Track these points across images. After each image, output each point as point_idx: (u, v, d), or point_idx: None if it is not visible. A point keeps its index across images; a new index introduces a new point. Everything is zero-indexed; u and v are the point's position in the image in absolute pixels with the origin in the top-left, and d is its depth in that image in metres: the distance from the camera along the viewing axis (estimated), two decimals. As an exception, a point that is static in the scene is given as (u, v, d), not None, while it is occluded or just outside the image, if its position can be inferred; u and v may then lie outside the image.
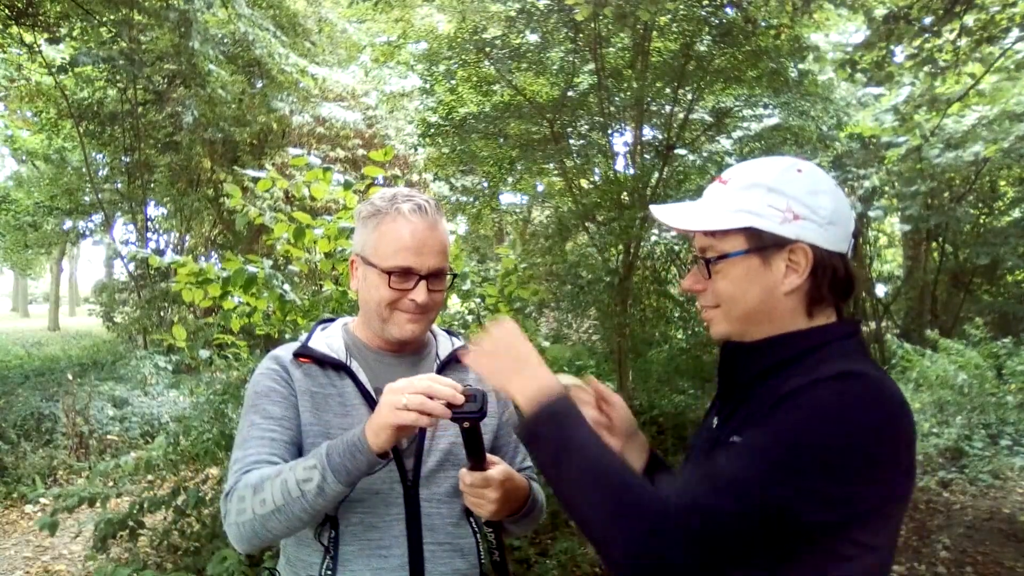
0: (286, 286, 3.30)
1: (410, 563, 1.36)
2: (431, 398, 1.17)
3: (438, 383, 1.19)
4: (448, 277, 1.46)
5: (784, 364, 1.09)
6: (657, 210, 1.23)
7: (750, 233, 1.10)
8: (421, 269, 1.38)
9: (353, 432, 1.24)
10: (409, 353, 1.48)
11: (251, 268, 3.21)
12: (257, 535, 1.27)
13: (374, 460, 1.23)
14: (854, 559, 1.01)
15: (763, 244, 1.10)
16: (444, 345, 1.54)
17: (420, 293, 1.38)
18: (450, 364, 1.50)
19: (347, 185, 3.37)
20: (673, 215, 1.20)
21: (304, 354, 1.43)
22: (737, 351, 1.17)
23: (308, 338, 1.48)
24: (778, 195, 1.10)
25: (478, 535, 1.45)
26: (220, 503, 1.34)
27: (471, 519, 1.44)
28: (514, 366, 1.14)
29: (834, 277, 1.11)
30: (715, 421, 1.20)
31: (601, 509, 0.99)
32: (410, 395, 1.17)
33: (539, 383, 1.11)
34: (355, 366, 1.43)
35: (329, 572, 1.34)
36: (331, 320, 1.56)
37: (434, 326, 1.57)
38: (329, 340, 1.46)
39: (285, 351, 1.45)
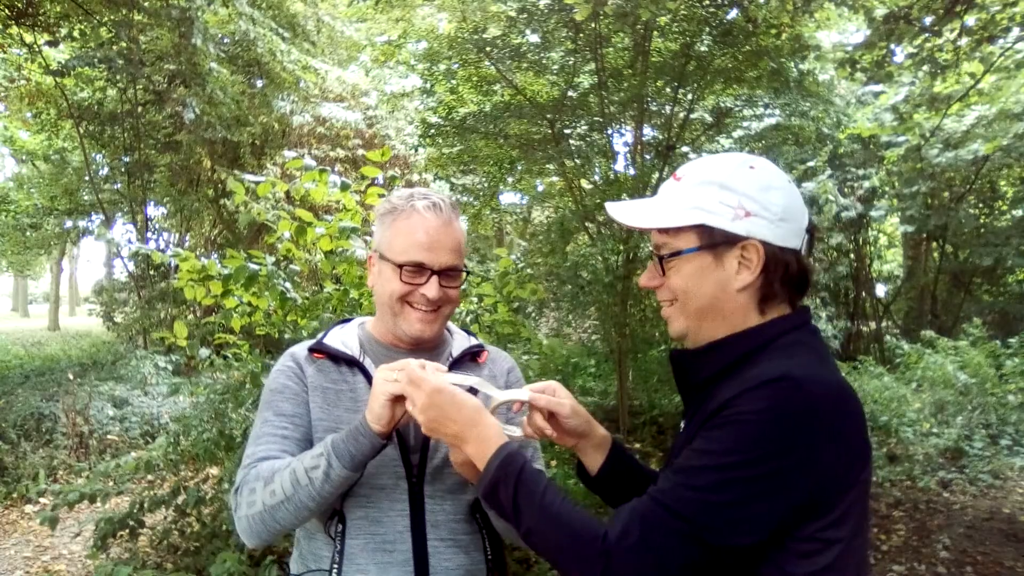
0: (287, 284, 3.30)
1: (415, 558, 1.37)
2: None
3: (427, 363, 1.26)
4: (463, 275, 1.48)
5: (735, 364, 1.11)
6: (612, 207, 1.23)
7: (702, 230, 1.12)
8: (433, 265, 1.41)
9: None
10: (424, 351, 1.50)
11: (253, 265, 3.20)
12: (267, 527, 1.30)
13: (376, 441, 1.26)
14: (814, 554, 1.02)
15: (715, 241, 1.11)
16: (459, 343, 1.57)
17: (431, 288, 1.40)
18: (462, 361, 1.52)
19: (344, 187, 3.37)
20: (627, 213, 1.21)
21: (318, 350, 1.47)
22: (682, 358, 1.20)
23: (324, 335, 1.51)
24: (730, 192, 1.10)
25: (484, 531, 1.46)
26: (229, 498, 1.38)
27: (477, 516, 1.46)
28: (461, 430, 1.19)
29: (786, 273, 1.12)
30: (682, 423, 1.23)
31: (558, 554, 1.08)
32: (399, 369, 1.24)
33: (487, 444, 1.16)
34: (367, 363, 1.46)
35: (336, 566, 1.36)
36: (349, 320, 1.60)
37: (452, 325, 1.60)
38: (344, 337, 1.50)
39: (301, 348, 1.49)
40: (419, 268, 1.40)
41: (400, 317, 1.44)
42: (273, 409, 1.41)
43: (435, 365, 1.27)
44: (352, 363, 1.46)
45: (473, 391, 1.26)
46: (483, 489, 1.15)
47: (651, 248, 1.20)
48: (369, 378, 1.44)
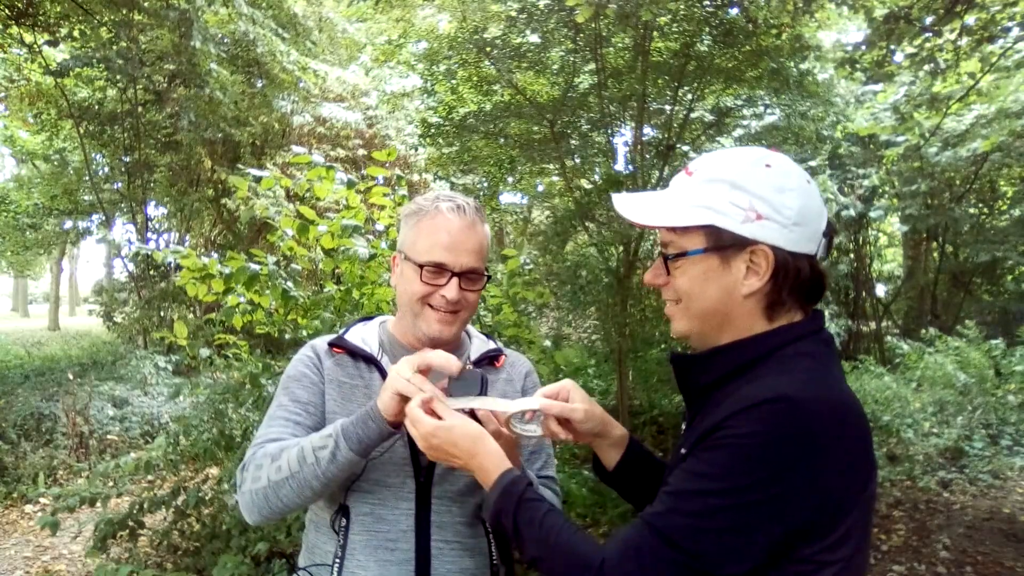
0: (289, 283, 3.29)
1: (416, 559, 1.37)
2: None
3: (435, 353, 1.29)
4: (484, 279, 1.48)
5: (738, 371, 1.07)
6: (619, 200, 1.18)
7: (710, 231, 1.06)
8: (454, 266, 1.40)
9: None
10: None
11: (253, 265, 3.20)
12: (268, 502, 1.32)
13: (384, 428, 1.27)
14: (811, 574, 0.99)
15: (722, 244, 1.06)
16: (477, 347, 1.57)
17: (451, 290, 1.40)
18: (480, 365, 1.52)
19: (350, 184, 3.36)
20: (634, 208, 1.16)
21: (339, 344, 1.49)
22: (683, 362, 1.17)
23: (346, 331, 1.53)
24: (742, 192, 1.05)
25: (491, 536, 1.46)
26: (236, 474, 1.39)
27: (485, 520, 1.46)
28: (464, 463, 1.21)
29: (797, 279, 1.06)
30: (683, 426, 1.21)
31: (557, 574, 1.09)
32: (411, 361, 1.28)
33: (487, 475, 1.19)
34: (385, 361, 1.47)
35: (338, 560, 1.37)
36: (372, 317, 1.61)
37: (471, 328, 1.61)
38: (365, 335, 1.52)
39: (322, 341, 1.52)
40: (440, 269, 1.40)
41: (420, 318, 1.44)
42: (289, 395, 1.44)
43: (449, 356, 1.28)
44: (369, 360, 1.47)
45: (473, 414, 1.27)
46: (489, 519, 1.18)
47: (659, 245, 1.17)
48: (385, 376, 1.45)
